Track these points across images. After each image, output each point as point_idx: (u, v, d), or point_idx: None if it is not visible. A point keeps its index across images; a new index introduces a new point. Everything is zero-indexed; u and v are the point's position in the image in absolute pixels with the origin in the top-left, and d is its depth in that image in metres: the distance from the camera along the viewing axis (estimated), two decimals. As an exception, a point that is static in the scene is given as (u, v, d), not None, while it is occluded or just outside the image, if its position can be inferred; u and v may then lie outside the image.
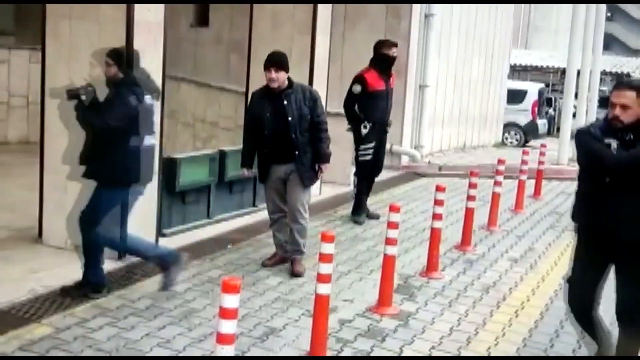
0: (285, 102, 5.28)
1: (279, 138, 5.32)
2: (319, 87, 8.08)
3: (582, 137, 3.74)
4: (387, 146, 10.01)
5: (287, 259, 5.59)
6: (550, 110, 19.57)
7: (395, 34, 9.61)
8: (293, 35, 7.96)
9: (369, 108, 7.05)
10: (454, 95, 12.84)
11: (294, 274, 5.40)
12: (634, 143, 3.59)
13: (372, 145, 7.15)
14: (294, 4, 7.90)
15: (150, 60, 5.54)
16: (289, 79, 5.35)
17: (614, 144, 3.60)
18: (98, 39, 5.40)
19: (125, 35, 5.31)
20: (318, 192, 8.26)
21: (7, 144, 9.95)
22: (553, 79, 25.85)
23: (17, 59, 10.18)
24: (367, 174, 7.30)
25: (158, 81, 5.66)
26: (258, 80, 7.84)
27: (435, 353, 4.35)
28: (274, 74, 5.22)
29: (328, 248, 4.06)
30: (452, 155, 12.47)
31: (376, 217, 7.40)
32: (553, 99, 20.60)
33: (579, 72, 12.92)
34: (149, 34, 5.49)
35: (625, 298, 3.77)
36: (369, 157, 7.18)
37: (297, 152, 5.33)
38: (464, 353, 4.39)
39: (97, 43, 5.41)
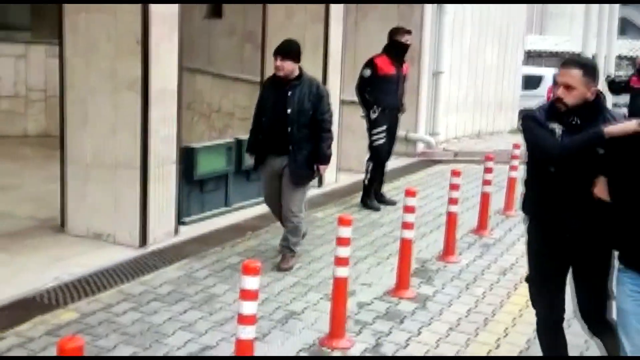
0: (289, 94, 5.15)
1: (276, 129, 5.19)
2: (333, 75, 8.13)
3: (525, 122, 3.34)
4: (403, 133, 10.09)
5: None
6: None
7: (408, 22, 9.60)
8: (306, 24, 8.00)
9: (379, 92, 7.16)
10: (468, 82, 12.81)
11: (279, 269, 5.24)
12: (581, 128, 3.17)
13: (383, 128, 7.25)
14: (306, 3, 7.92)
15: (166, 51, 5.63)
16: (300, 69, 5.24)
17: (558, 129, 3.21)
18: (115, 31, 5.49)
19: (141, 27, 5.40)
20: (334, 179, 8.34)
21: (26, 137, 10.11)
22: (569, 65, 25.56)
23: (34, 54, 10.32)
24: (382, 159, 7.37)
25: (174, 72, 5.77)
26: (272, 69, 7.92)
27: (453, 334, 4.40)
28: (279, 62, 5.13)
29: (345, 232, 4.12)
30: (467, 142, 12.45)
31: (393, 203, 7.45)
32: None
33: (594, 57, 12.84)
34: (164, 25, 5.57)
35: (582, 298, 3.45)
36: (382, 141, 7.27)
37: (291, 147, 5.16)
38: (481, 334, 4.44)
39: (114, 35, 5.51)
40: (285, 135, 5.15)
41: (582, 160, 3.14)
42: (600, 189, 3.10)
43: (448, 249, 5.84)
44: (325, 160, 5.35)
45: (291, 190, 5.27)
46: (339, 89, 8.26)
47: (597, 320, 3.44)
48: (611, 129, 3.05)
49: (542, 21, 33.12)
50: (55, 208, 5.90)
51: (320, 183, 8.14)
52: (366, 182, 7.44)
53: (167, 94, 5.66)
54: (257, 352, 3.57)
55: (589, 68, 3.23)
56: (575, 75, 3.17)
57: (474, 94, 13.08)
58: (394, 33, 7.30)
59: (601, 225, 3.17)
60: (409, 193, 5.00)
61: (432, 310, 4.75)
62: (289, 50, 5.18)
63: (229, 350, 3.77)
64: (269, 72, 8.03)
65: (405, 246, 4.95)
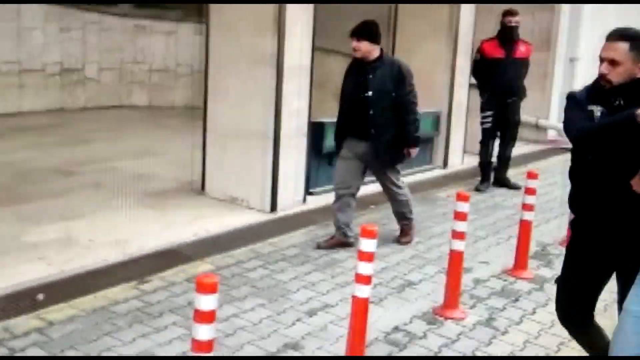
0: (370, 76, 4.99)
1: (357, 112, 5.04)
2: (462, 58, 8.14)
3: (566, 103, 2.98)
4: (533, 120, 9.92)
5: (345, 242, 5.21)
6: None
7: (543, 5, 9.35)
8: (438, 7, 8.05)
9: (486, 76, 7.26)
10: (609, 69, 12.24)
11: (399, 243, 5.40)
12: (624, 110, 2.74)
13: (489, 113, 7.30)
14: (436, 3, 7.97)
15: (300, 29, 5.94)
16: (381, 51, 5.08)
17: (597, 111, 2.83)
18: (253, 13, 5.84)
19: (278, 6, 5.72)
20: (460, 161, 8.40)
21: (173, 108, 10.95)
22: None
23: (183, 31, 11.11)
24: (487, 142, 7.44)
25: (307, 49, 6.06)
26: (403, 51, 8.06)
27: (568, 316, 4.41)
28: (354, 43, 4.98)
29: (463, 207, 4.23)
30: (604, 131, 11.96)
31: (517, 187, 7.41)
32: None
33: None
34: (300, 7, 5.88)
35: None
36: (487, 126, 7.34)
37: (372, 130, 5.00)
38: (599, 320, 4.39)
39: (252, 17, 5.87)
40: (366, 119, 5.00)
41: (621, 147, 2.74)
42: (638, 182, 2.70)
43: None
44: (414, 143, 5.16)
45: (384, 175, 5.28)
46: (468, 72, 8.26)
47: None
48: None
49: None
50: (197, 172, 6.44)
51: (444, 164, 8.24)
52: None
53: (300, 70, 5.99)
54: (373, 314, 3.81)
55: (638, 41, 2.82)
56: (620, 49, 2.80)
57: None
58: (502, 15, 7.30)
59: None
60: (531, 175, 5.02)
61: (549, 292, 4.76)
62: (363, 30, 5.03)
63: (347, 310, 4.04)
64: (399, 54, 8.20)
65: (525, 227, 4.99)
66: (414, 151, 5.20)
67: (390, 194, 5.38)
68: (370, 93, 4.98)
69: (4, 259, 4.28)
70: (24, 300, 3.92)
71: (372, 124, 5.01)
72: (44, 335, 3.60)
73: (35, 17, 9.87)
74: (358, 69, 5.10)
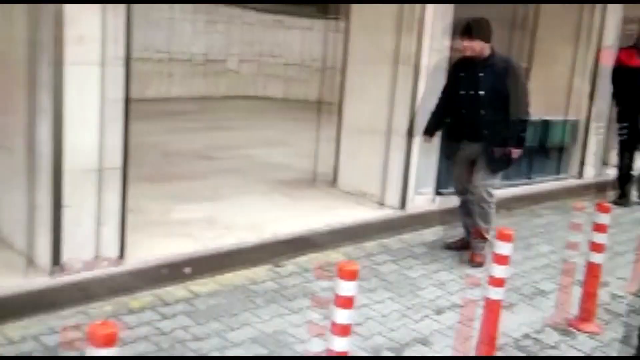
0: (481, 75, 4.82)
1: (469, 112, 4.88)
2: (604, 65, 7.78)
3: None
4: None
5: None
6: None
7: None
8: (581, 10, 7.74)
9: (620, 85, 7.01)
10: None
11: (472, 263, 4.93)
12: None
13: (623, 124, 7.03)
14: (580, 3, 7.67)
15: (438, 30, 5.88)
16: (492, 49, 4.88)
17: None
18: (392, 13, 5.86)
19: (418, 9, 5.72)
20: (597, 172, 8.08)
21: (306, 101, 11.24)
22: None
23: (317, 27, 11.37)
24: (624, 153, 7.18)
25: (444, 50, 6.01)
26: (542, 55, 7.85)
27: None
28: (467, 42, 4.83)
29: (603, 219, 4.10)
30: None
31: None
32: None
33: None
34: (440, 7, 5.84)
35: None
36: (624, 137, 7.09)
37: (485, 131, 4.83)
38: None
39: (391, 17, 5.91)
40: (478, 119, 4.85)
41: None
42: None
43: None
44: (520, 143, 4.92)
45: (482, 176, 4.96)
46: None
47: None
48: None
49: None
50: (328, 165, 6.60)
51: (580, 174, 7.95)
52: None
53: (436, 70, 5.98)
54: (504, 320, 3.76)
55: None
56: None
57: None
58: None
59: None
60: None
61: (692, 315, 4.52)
62: (475, 29, 4.85)
63: (475, 312, 4.03)
64: (538, 57, 7.99)
65: (669, 245, 4.75)
66: (517, 152, 4.93)
67: (477, 199, 5.00)
68: (482, 92, 4.84)
69: (157, 232, 4.62)
70: (173, 272, 4.22)
71: (485, 123, 4.85)
72: (191, 305, 3.88)
73: (185, 10, 10.49)
74: (468, 68, 4.94)
